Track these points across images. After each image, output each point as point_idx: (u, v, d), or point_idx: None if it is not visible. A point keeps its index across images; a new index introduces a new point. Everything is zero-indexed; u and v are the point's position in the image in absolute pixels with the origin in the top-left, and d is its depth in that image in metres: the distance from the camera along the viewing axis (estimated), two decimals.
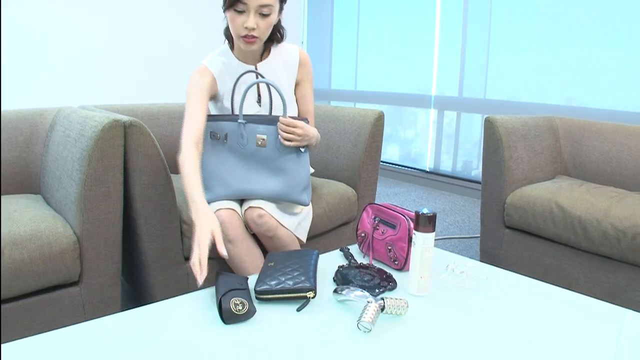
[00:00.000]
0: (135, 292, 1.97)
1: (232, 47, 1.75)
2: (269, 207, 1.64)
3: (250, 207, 1.64)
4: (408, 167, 4.72)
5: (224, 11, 1.59)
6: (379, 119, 2.15)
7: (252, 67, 1.74)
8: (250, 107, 1.74)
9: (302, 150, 1.67)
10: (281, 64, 1.79)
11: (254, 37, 1.58)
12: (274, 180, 1.66)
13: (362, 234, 1.54)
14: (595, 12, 3.31)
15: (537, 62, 3.70)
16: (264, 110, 1.76)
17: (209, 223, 1.34)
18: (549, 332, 1.08)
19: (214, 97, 1.78)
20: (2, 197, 1.84)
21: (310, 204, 1.87)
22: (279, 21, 1.71)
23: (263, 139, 1.64)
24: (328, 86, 5.43)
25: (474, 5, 4.04)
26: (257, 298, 1.18)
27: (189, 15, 3.99)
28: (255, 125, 1.64)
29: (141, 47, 3.75)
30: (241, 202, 1.73)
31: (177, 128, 2.33)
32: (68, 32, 3.40)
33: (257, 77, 1.71)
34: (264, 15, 1.56)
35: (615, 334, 1.08)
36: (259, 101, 1.77)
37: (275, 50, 1.79)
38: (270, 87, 1.71)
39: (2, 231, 1.40)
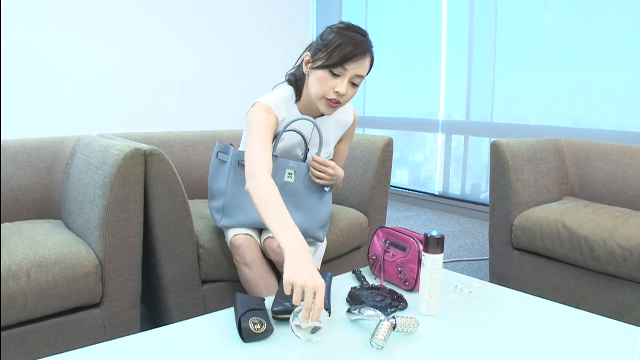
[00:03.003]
0: (153, 315, 2.02)
1: (297, 98, 1.70)
2: None
3: (269, 237, 1.67)
4: (417, 192, 4.77)
5: (315, 68, 1.55)
6: (388, 145, 2.21)
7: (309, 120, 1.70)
8: (297, 152, 1.74)
9: (327, 190, 1.75)
10: (337, 122, 1.81)
11: (339, 102, 1.57)
12: (295, 215, 1.55)
13: (374, 257, 1.59)
14: (601, 33, 3.38)
15: (544, 85, 3.76)
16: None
17: (314, 280, 1.13)
18: (559, 350, 1.12)
19: None
20: (26, 222, 1.91)
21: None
22: None
23: (291, 174, 1.67)
24: None
25: (479, 29, 4.13)
26: (274, 318, 1.22)
27: (204, 47, 4.09)
28: (286, 160, 1.67)
29: (155, 77, 3.85)
30: (260, 230, 1.76)
31: (193, 156, 2.41)
32: (82, 63, 3.50)
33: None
34: (355, 85, 1.57)
35: (628, 352, 1.11)
36: (306, 152, 1.75)
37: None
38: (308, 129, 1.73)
39: (29, 254, 1.47)
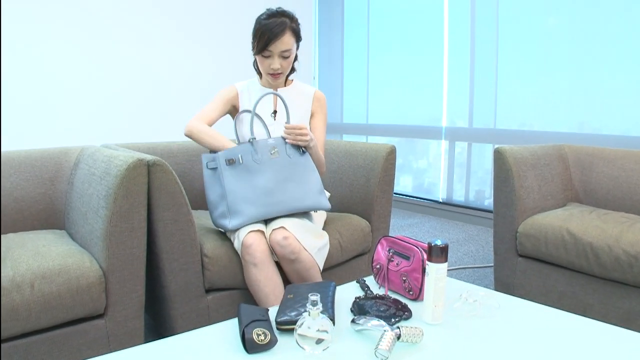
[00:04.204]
0: (157, 325, 2.02)
1: (260, 75, 2.07)
2: (292, 229, 1.74)
3: (274, 229, 1.75)
4: (421, 198, 4.76)
5: (254, 55, 1.95)
6: (391, 153, 2.21)
7: (271, 91, 2.01)
8: (265, 118, 2.00)
9: (304, 151, 1.92)
10: (298, 93, 2.09)
11: (279, 73, 1.95)
12: (291, 186, 1.85)
13: (378, 266, 1.58)
14: (603, 38, 3.37)
15: (546, 90, 3.75)
16: (276, 124, 2.01)
17: None
18: (566, 359, 1.11)
19: (234, 111, 2.06)
20: (29, 232, 1.91)
21: (327, 235, 1.93)
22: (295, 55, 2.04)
23: (275, 149, 1.86)
24: (340, 120, 5.51)
25: (481, 35, 4.13)
26: (277, 328, 1.22)
27: (206, 56, 4.10)
28: (264, 140, 1.88)
29: (158, 87, 3.86)
30: (266, 225, 1.83)
31: (196, 165, 2.41)
32: (85, 73, 3.52)
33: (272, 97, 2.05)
34: (285, 57, 1.93)
35: None
36: (274, 114, 2.04)
37: (296, 83, 2.12)
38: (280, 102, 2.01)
39: (32, 265, 1.47)
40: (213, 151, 1.88)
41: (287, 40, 1.89)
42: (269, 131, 1.97)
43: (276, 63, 1.91)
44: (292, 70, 2.07)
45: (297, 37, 1.95)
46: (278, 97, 2.01)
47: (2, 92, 3.15)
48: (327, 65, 5.59)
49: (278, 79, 1.98)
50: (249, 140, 1.86)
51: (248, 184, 1.80)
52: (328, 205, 1.94)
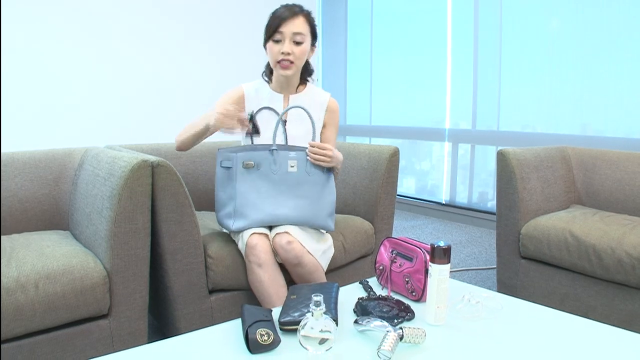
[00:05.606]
0: (160, 326, 2.03)
1: (270, 79, 1.99)
2: (296, 234, 1.73)
3: (277, 233, 1.74)
4: (424, 200, 4.76)
5: (265, 45, 1.87)
6: (394, 155, 2.21)
7: (282, 96, 1.96)
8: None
9: (325, 171, 1.85)
10: (311, 102, 1.98)
11: (290, 62, 1.83)
12: (302, 203, 1.80)
13: (381, 267, 1.59)
14: (606, 39, 3.37)
15: (550, 92, 3.75)
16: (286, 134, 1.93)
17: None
18: None
19: None
20: (34, 233, 1.92)
21: (331, 238, 1.93)
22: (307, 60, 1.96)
23: (293, 165, 1.80)
24: (343, 122, 5.51)
25: (484, 37, 4.13)
26: (281, 329, 1.23)
27: (210, 57, 4.11)
28: (286, 152, 1.81)
29: (162, 88, 3.87)
30: (270, 229, 1.82)
31: (200, 167, 2.42)
32: (89, 74, 3.53)
33: (279, 116, 1.90)
34: (298, 43, 1.82)
35: None
36: (284, 123, 1.95)
37: (309, 89, 2.02)
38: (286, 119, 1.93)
39: (36, 265, 1.48)
40: (223, 148, 1.83)
41: (300, 23, 1.82)
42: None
43: (287, 47, 1.80)
44: (309, 72, 2.00)
45: (312, 28, 1.87)
46: (290, 105, 1.90)
47: (6, 93, 3.16)
48: (330, 67, 5.59)
49: (288, 69, 1.84)
50: (272, 149, 1.80)
51: (260, 191, 1.78)
52: (332, 227, 1.90)
